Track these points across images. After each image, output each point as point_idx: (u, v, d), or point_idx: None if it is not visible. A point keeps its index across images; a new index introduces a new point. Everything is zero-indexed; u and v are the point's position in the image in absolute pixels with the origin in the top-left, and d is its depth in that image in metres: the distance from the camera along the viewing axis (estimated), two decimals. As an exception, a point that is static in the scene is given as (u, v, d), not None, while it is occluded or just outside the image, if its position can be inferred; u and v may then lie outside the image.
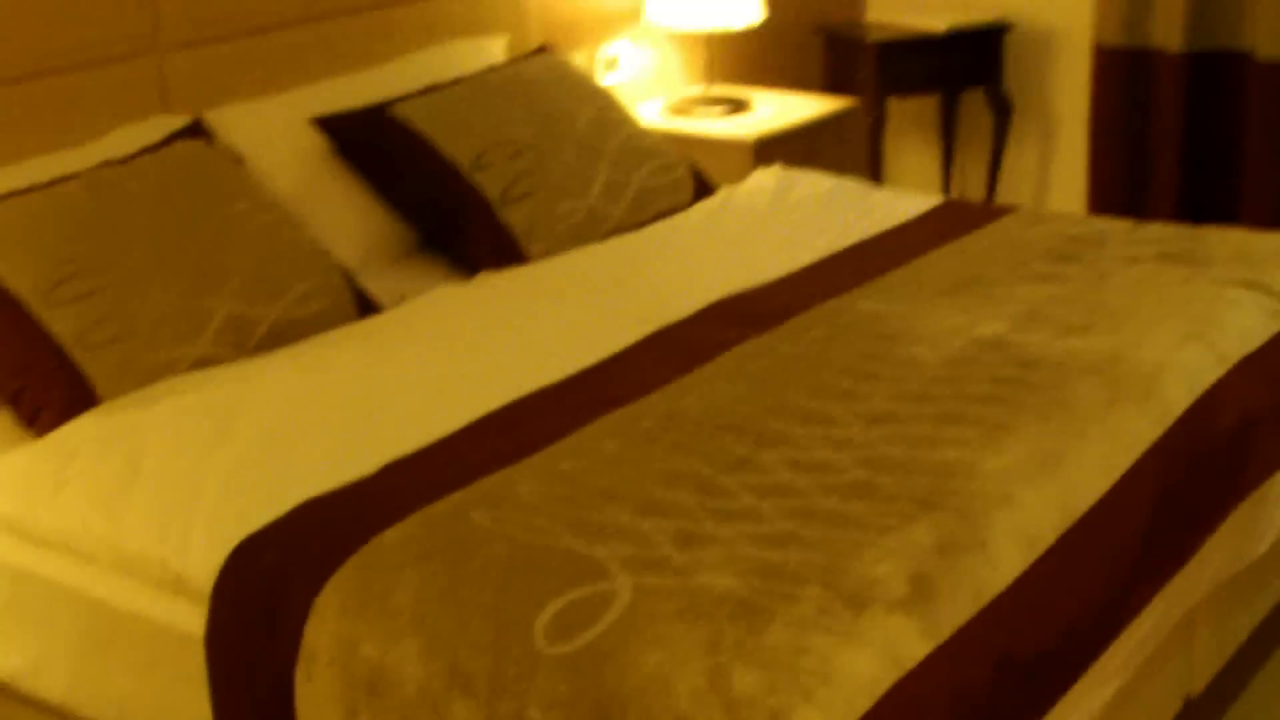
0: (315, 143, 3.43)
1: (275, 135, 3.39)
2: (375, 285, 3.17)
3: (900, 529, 2.13)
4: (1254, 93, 4.79)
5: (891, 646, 1.93)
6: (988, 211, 3.63)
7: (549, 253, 3.33)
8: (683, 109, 4.56)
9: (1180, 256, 3.17)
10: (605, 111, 3.75)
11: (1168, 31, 4.86)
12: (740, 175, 3.91)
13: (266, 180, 3.22)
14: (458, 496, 2.25)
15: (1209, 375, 2.68)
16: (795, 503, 2.20)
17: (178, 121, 3.26)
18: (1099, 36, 4.99)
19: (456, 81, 3.64)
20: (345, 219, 3.36)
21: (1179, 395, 2.60)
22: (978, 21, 5.13)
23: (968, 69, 5.18)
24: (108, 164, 3.01)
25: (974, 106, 5.40)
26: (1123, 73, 4.96)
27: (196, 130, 3.23)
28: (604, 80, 4.46)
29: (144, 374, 2.70)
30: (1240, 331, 2.83)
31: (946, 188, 5.53)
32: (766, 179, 3.81)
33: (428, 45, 3.88)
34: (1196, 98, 4.89)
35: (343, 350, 2.83)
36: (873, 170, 4.96)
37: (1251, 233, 3.39)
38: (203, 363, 2.76)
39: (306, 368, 2.75)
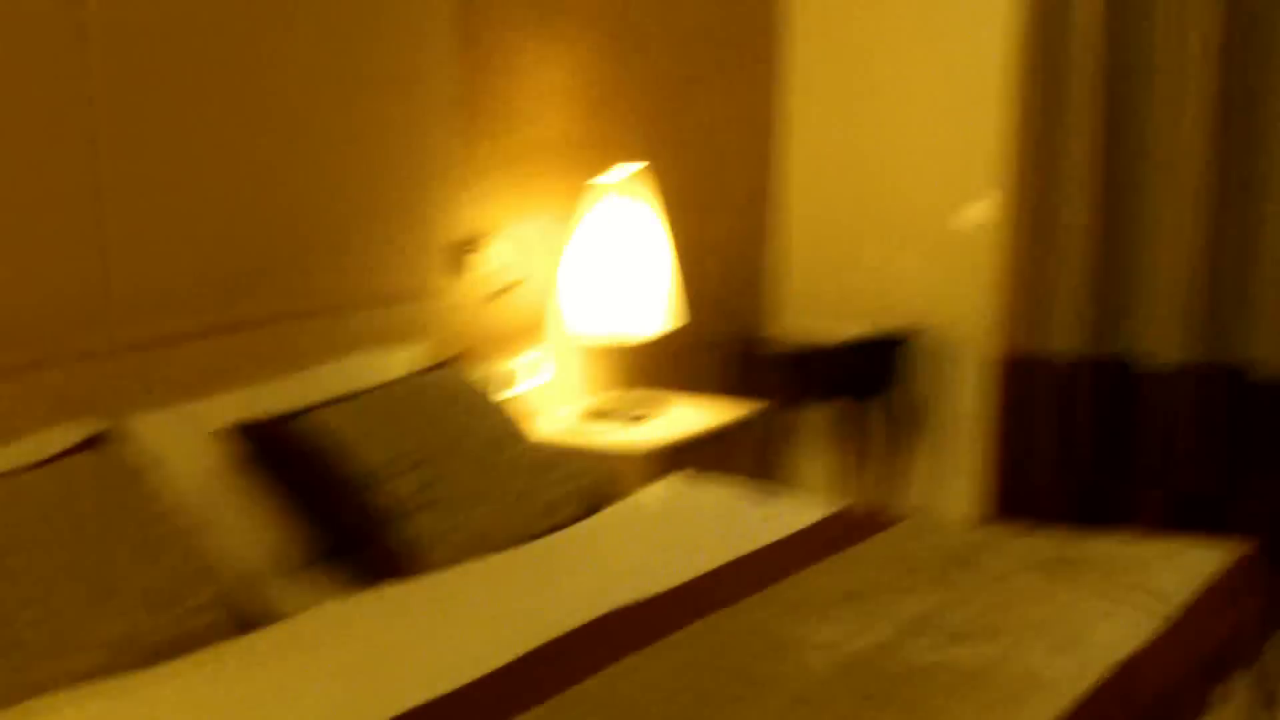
0: (223, 451, 3.49)
1: (184, 443, 3.45)
2: (277, 595, 3.19)
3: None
4: (1147, 399, 4.95)
5: None
6: (883, 519, 3.72)
7: (450, 562, 3.37)
8: (592, 417, 4.66)
9: (1066, 562, 3.26)
10: (511, 421, 3.84)
11: (1065, 338, 5.03)
12: (648, 482, 3.99)
13: (173, 488, 3.26)
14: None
15: (1087, 680, 2.74)
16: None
17: (87, 429, 3.31)
18: (998, 344, 5.16)
19: (365, 392, 3.73)
20: (250, 527, 3.40)
21: (1055, 702, 2.65)
22: (881, 330, 5.31)
23: (872, 377, 5.34)
24: (10, 472, 3.05)
25: (879, 412, 5.53)
26: (1020, 379, 5.12)
27: (105, 438, 3.28)
28: (515, 389, 4.57)
29: (28, 689, 2.68)
30: (1118, 635, 2.90)
31: (851, 494, 5.62)
32: (670, 487, 3.90)
33: (340, 356, 3.97)
34: (1092, 404, 5.04)
35: (234, 663, 2.84)
36: (778, 477, 5.07)
37: (1135, 537, 3.49)
38: (90, 676, 2.74)
39: (194, 682, 2.75)
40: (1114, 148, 4.95)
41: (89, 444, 3.24)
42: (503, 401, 4.00)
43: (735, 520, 3.69)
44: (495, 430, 3.76)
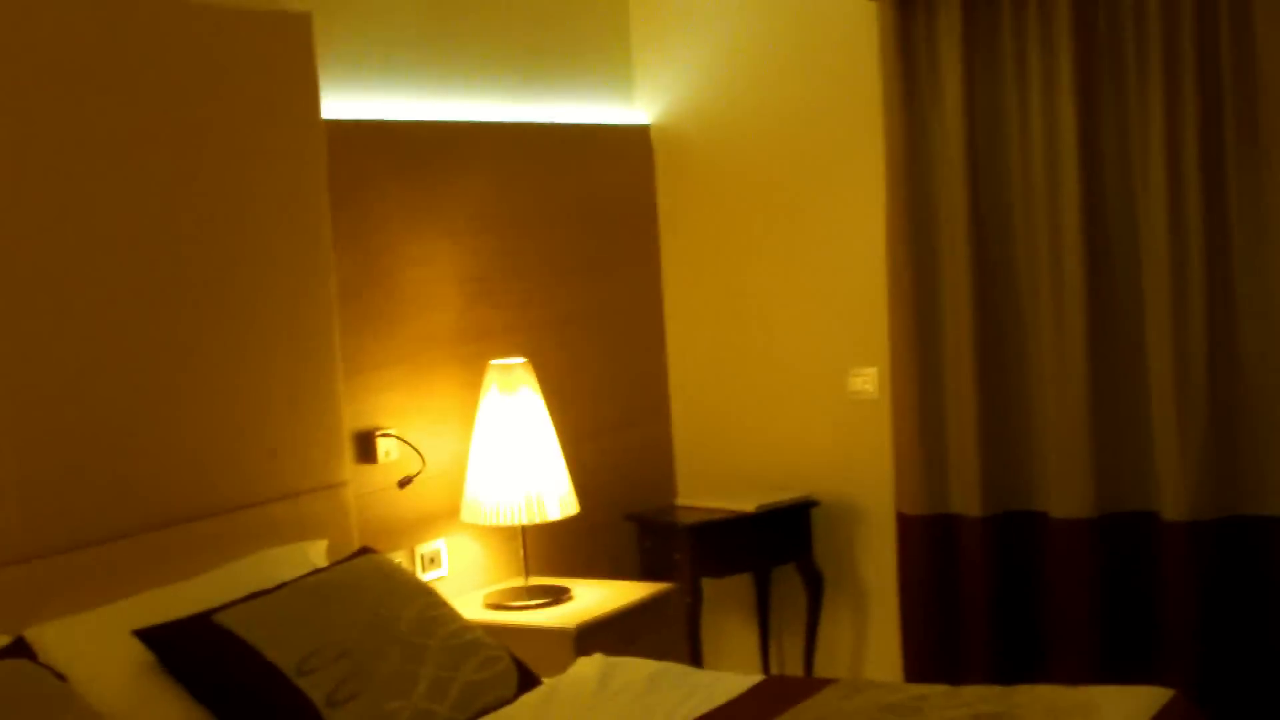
0: (139, 655, 3.42)
1: (97, 650, 3.37)
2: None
3: None
4: (1052, 550, 5.00)
5: None
6: (808, 685, 3.72)
7: (379, 753, 3.32)
8: (503, 601, 4.63)
9: (995, 716, 3.27)
10: (428, 609, 3.80)
11: (966, 498, 5.09)
12: (563, 664, 3.97)
13: (90, 696, 3.19)
14: None
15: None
16: None
17: (-1, 641, 3.25)
18: (901, 506, 5.21)
19: (279, 587, 3.69)
20: (172, 731, 3.34)
21: None
22: (785, 499, 5.34)
23: (778, 546, 5.37)
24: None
25: (787, 582, 5.55)
26: (926, 539, 5.17)
27: (18, 649, 3.21)
28: (425, 577, 4.54)
29: None
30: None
31: (765, 664, 5.62)
32: (588, 668, 3.87)
33: (249, 553, 3.92)
34: (999, 559, 5.08)
35: None
36: (692, 651, 5.04)
37: (1059, 688, 3.51)
38: None
39: None
40: (990, 313, 5.07)
41: (1, 655, 3.16)
42: (424, 585, 3.97)
43: (660, 696, 3.67)
44: (415, 617, 3.72)
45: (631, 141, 5.73)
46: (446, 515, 4.72)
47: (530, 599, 4.63)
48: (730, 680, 3.80)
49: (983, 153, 5.05)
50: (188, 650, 3.46)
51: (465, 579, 4.79)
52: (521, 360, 4.70)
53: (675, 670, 3.88)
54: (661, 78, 5.73)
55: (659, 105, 5.75)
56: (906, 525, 5.20)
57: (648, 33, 5.73)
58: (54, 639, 3.35)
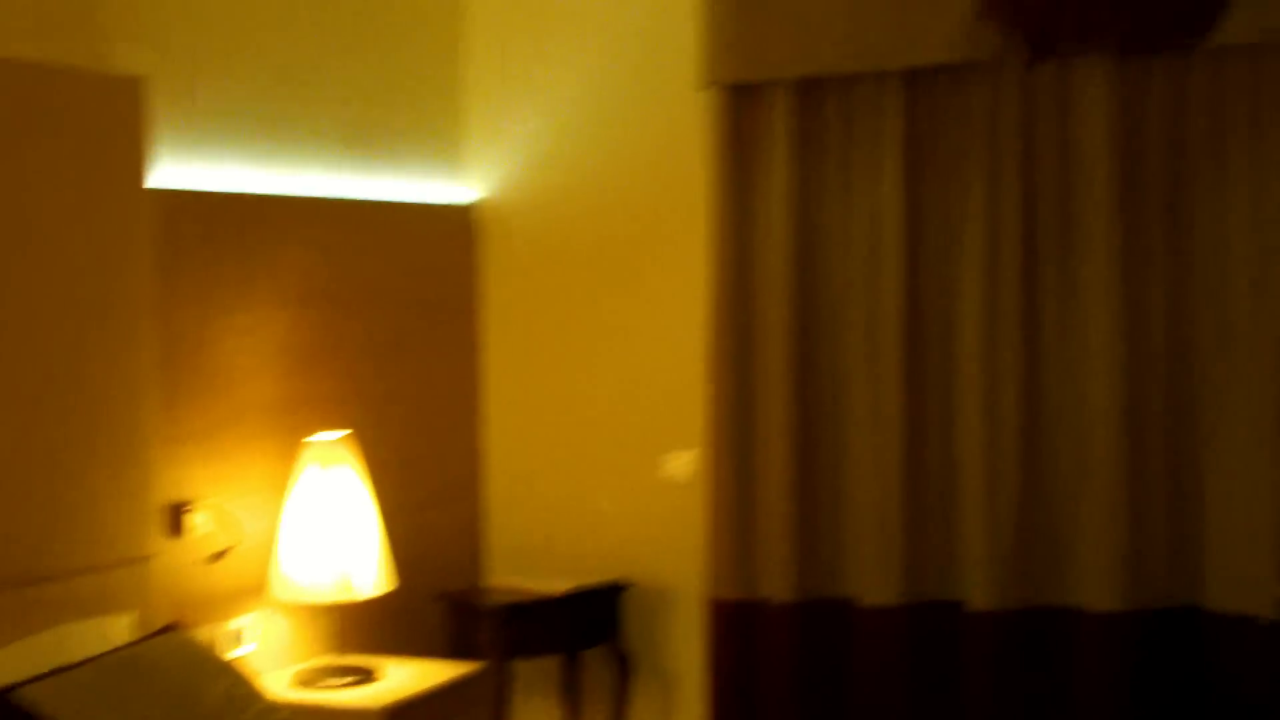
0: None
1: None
2: None
3: None
4: (859, 637, 5.06)
5: None
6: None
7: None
8: (311, 679, 4.56)
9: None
10: (234, 688, 3.75)
11: (776, 583, 5.12)
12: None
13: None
14: None
15: None
16: None
17: None
18: (711, 590, 5.23)
19: (83, 663, 3.59)
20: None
21: None
22: (596, 582, 5.34)
23: (588, 628, 5.35)
24: None
25: (596, 664, 5.53)
26: (735, 624, 5.18)
27: None
28: (232, 654, 4.45)
29: None
30: None
31: (575, 747, 5.60)
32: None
33: (51, 626, 3.81)
34: (807, 644, 5.12)
35: None
36: (501, 734, 5.01)
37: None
38: None
39: None
40: (807, 401, 5.14)
41: None
42: (230, 663, 3.89)
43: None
44: (222, 694, 3.65)
45: (455, 221, 5.73)
46: (257, 590, 4.64)
47: (339, 678, 4.56)
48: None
49: (807, 242, 5.13)
50: (-15, 727, 3.36)
51: (274, 655, 4.70)
52: (341, 434, 4.66)
53: (486, 753, 3.86)
54: (492, 157, 5.74)
55: (488, 184, 5.76)
56: (716, 610, 5.22)
57: (480, 113, 5.74)
58: None
